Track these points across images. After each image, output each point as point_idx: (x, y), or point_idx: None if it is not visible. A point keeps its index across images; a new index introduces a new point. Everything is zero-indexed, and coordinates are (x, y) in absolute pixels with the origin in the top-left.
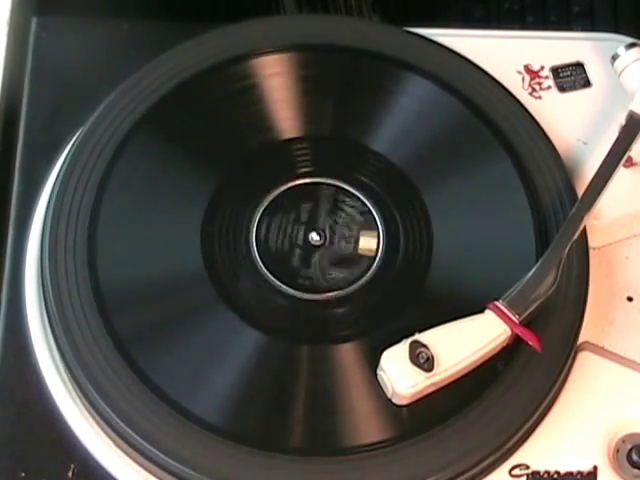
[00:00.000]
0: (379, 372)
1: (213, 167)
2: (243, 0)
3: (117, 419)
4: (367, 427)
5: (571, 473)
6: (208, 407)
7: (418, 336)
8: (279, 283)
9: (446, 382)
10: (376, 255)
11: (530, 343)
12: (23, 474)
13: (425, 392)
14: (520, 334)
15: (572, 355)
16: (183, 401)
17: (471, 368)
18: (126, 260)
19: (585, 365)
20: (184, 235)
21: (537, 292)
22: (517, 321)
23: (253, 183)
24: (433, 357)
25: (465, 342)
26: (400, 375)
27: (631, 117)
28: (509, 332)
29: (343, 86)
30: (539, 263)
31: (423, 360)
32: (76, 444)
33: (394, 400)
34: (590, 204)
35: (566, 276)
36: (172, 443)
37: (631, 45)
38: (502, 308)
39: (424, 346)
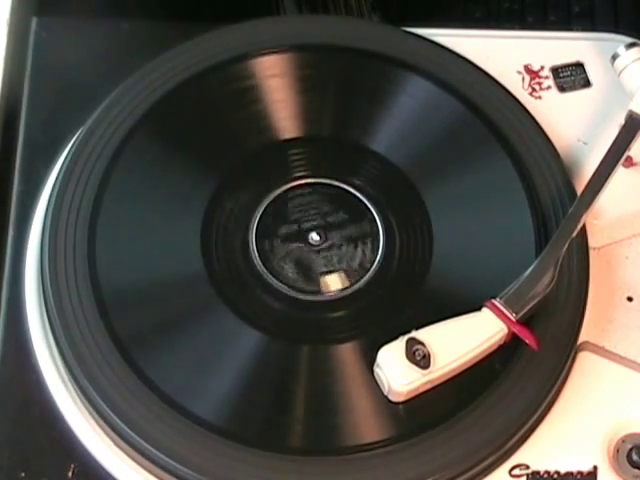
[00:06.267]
0: (376, 369)
1: (213, 167)
2: (243, 0)
3: (117, 419)
4: (367, 427)
5: (571, 473)
6: (208, 407)
7: (415, 333)
8: (279, 283)
9: (442, 380)
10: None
11: (527, 342)
12: (23, 474)
13: (421, 389)
14: (517, 332)
15: (572, 355)
16: (183, 401)
17: (468, 366)
18: (126, 260)
19: (585, 365)
20: (184, 235)
21: (534, 290)
22: (514, 319)
23: (253, 183)
24: (429, 354)
25: (462, 340)
26: (396, 372)
27: (630, 117)
28: (506, 330)
29: (343, 86)
30: (537, 261)
31: (419, 357)
32: (76, 444)
33: (390, 397)
34: (589, 203)
35: (566, 276)
36: (172, 443)
37: (631, 45)
38: (499, 306)
39: (421, 343)
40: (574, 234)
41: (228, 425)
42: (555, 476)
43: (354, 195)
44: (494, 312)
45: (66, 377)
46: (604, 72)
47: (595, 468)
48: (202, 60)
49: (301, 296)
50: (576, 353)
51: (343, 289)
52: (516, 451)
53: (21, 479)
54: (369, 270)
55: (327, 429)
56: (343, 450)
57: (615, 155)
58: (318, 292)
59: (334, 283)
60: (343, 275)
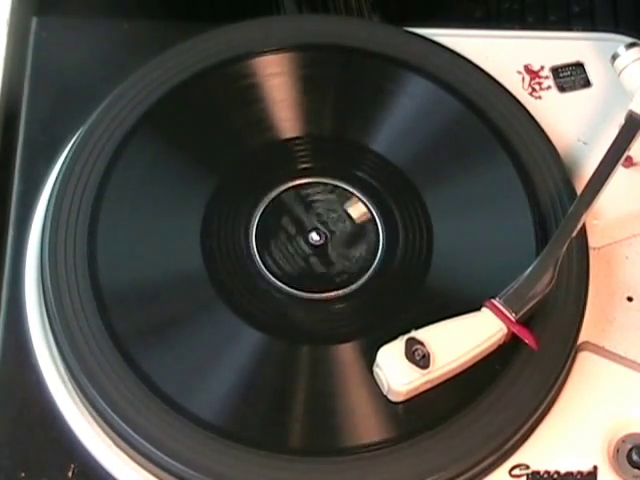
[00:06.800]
0: (375, 368)
1: (213, 167)
2: (243, 0)
3: (117, 419)
4: (367, 427)
5: (571, 473)
6: (208, 407)
7: (414, 333)
8: (279, 283)
9: (442, 379)
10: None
11: (526, 341)
12: (23, 474)
13: (421, 389)
14: (516, 332)
15: (572, 355)
16: (183, 401)
17: (467, 366)
18: (126, 260)
19: (585, 365)
20: (184, 235)
21: (534, 290)
22: (514, 319)
23: (253, 183)
24: (429, 354)
25: (461, 340)
26: (396, 372)
27: (631, 117)
28: (505, 330)
29: (343, 86)
30: (536, 261)
31: (419, 357)
32: (76, 444)
33: (390, 397)
34: (588, 202)
35: (566, 276)
36: (172, 443)
37: (631, 45)
38: (499, 306)
39: (420, 343)
40: (574, 234)
41: (228, 425)
42: (555, 476)
43: (354, 195)
44: (494, 312)
45: (66, 377)
46: (604, 72)
47: (595, 468)
48: (202, 60)
49: (301, 296)
50: (576, 353)
51: (343, 288)
52: (516, 451)
53: (21, 479)
54: (369, 270)
55: (327, 429)
56: (343, 450)
57: (615, 155)
58: (318, 291)
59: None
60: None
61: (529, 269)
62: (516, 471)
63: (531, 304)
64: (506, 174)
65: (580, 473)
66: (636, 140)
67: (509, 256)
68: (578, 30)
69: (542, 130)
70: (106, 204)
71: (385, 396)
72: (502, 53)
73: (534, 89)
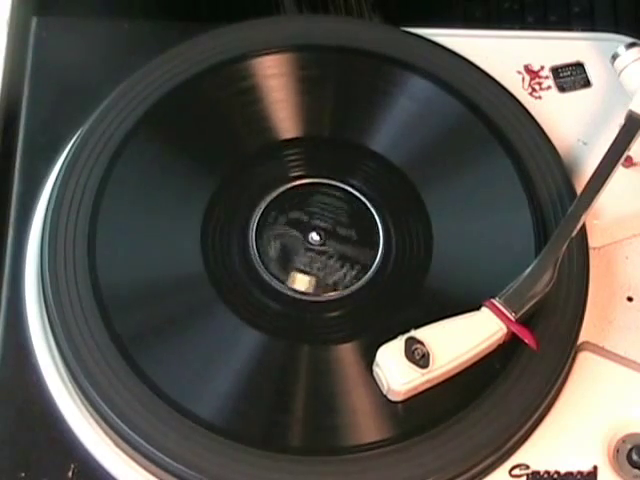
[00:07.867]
0: (375, 368)
1: (213, 167)
2: (243, 0)
3: (117, 419)
4: (367, 427)
5: (571, 473)
6: (208, 407)
7: (414, 332)
8: (279, 283)
9: (441, 379)
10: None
11: (526, 341)
12: (23, 474)
13: (420, 389)
14: (516, 332)
15: (572, 355)
16: (183, 401)
17: (467, 365)
18: (126, 260)
19: (585, 365)
20: (184, 235)
21: (534, 290)
22: (513, 319)
23: (253, 183)
24: (429, 354)
25: (461, 339)
26: (395, 371)
27: (630, 117)
28: (505, 330)
29: (343, 86)
30: (536, 261)
31: (419, 357)
32: (76, 444)
33: (389, 396)
34: (588, 202)
35: (566, 276)
36: (172, 443)
37: (631, 45)
38: (498, 306)
39: (420, 342)
40: (574, 234)
41: (228, 425)
42: (555, 476)
43: (354, 195)
44: (493, 311)
45: (66, 377)
46: (604, 72)
47: (595, 468)
48: (202, 60)
49: (301, 296)
50: (576, 353)
51: (343, 288)
52: (516, 451)
53: (21, 479)
54: (369, 270)
55: (327, 429)
56: (343, 450)
57: (615, 155)
58: (318, 291)
59: (301, 283)
60: (313, 281)
61: (529, 269)
62: (516, 471)
63: (531, 304)
64: (506, 174)
65: (580, 473)
66: (636, 140)
67: (509, 256)
68: (578, 30)
69: (542, 130)
70: (106, 204)
71: (385, 396)
72: (502, 53)
73: (534, 89)
